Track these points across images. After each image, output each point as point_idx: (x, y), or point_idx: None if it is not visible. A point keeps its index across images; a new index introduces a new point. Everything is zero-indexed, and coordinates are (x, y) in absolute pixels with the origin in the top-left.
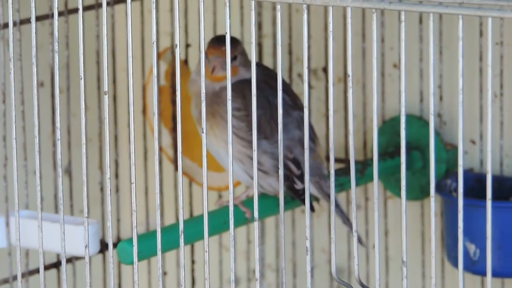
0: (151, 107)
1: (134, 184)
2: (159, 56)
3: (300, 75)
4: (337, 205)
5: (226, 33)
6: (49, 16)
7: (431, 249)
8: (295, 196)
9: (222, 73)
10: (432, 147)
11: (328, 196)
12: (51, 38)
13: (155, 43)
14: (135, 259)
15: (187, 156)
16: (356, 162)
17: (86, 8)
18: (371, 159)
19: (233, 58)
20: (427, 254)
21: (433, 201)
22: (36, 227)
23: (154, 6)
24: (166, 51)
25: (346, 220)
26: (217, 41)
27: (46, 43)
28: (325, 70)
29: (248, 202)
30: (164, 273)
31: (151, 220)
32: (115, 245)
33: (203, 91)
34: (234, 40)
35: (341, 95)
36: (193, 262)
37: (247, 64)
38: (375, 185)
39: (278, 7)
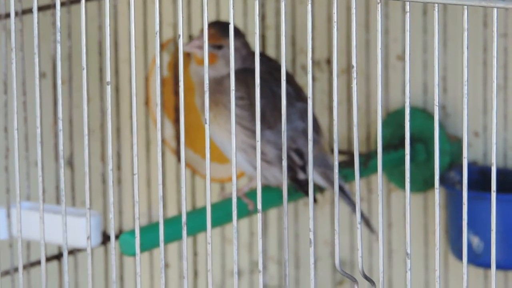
0: (153, 98)
1: (136, 175)
2: (162, 47)
3: (303, 67)
4: (346, 195)
5: (229, 24)
6: (51, 6)
7: (435, 241)
8: (298, 187)
9: (198, 54)
10: (436, 139)
11: (337, 186)
12: (53, 29)
13: (158, 33)
14: (137, 250)
15: (190, 148)
16: (360, 154)
17: None
18: (375, 151)
19: (218, 47)
20: (430, 247)
21: (438, 194)
22: (38, 218)
23: None
24: (169, 42)
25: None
26: (212, 24)
27: (48, 34)
28: (329, 61)
29: (251, 194)
30: (166, 265)
31: (153, 212)
32: (117, 237)
33: (206, 81)
34: (227, 29)
35: (344, 87)
36: (195, 254)
37: (241, 48)
38: (379, 178)
39: None
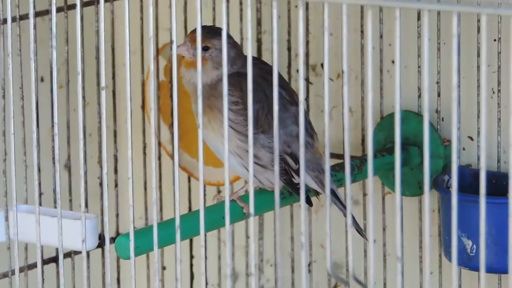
0: (150, 102)
1: (131, 179)
2: (158, 51)
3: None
4: (338, 200)
5: (216, 27)
6: (49, 11)
7: (424, 244)
8: (293, 191)
9: (186, 56)
10: (426, 143)
11: (329, 190)
12: (51, 34)
13: (152, 38)
14: (132, 254)
15: (186, 152)
16: (354, 158)
17: (86, 4)
18: None
19: (204, 48)
20: (425, 250)
21: (428, 197)
22: (35, 221)
23: (151, 2)
24: (166, 46)
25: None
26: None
27: (46, 39)
28: (323, 65)
29: (246, 197)
30: (163, 268)
31: (150, 215)
32: (114, 240)
33: (199, 87)
34: (212, 32)
35: (340, 91)
36: (191, 257)
37: (230, 51)
38: (370, 182)
39: (274, 4)
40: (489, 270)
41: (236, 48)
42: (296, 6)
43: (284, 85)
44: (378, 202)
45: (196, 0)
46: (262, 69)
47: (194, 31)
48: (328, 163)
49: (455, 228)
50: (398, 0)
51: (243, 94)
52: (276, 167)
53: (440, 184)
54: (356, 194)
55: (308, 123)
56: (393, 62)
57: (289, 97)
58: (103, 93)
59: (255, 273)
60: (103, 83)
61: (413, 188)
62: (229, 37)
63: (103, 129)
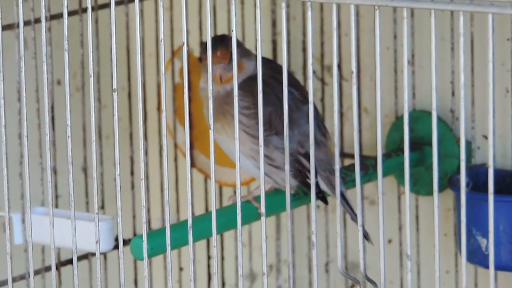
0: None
1: (143, 180)
2: (173, 53)
3: (314, 72)
4: (346, 202)
5: (232, 31)
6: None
7: (445, 243)
8: (308, 191)
9: (225, 76)
10: (435, 143)
11: (339, 191)
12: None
13: (163, 41)
14: (145, 254)
15: (202, 153)
16: (370, 158)
17: (100, 7)
18: (384, 155)
19: (231, 58)
20: (440, 249)
21: (437, 196)
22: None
23: (162, 4)
24: (181, 48)
25: (355, 217)
26: (221, 44)
27: (62, 42)
28: (339, 66)
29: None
30: (181, 269)
31: (166, 216)
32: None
33: (210, 88)
34: (223, 40)
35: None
36: (209, 257)
37: (249, 55)
38: (379, 182)
39: (283, 4)
40: (505, 268)
41: (248, 51)
42: (311, 8)
43: (296, 84)
44: (394, 201)
45: (206, 6)
46: (273, 69)
47: (217, 47)
48: (338, 162)
49: (464, 225)
50: (405, 1)
51: (255, 99)
52: (287, 170)
53: (455, 183)
54: (372, 194)
55: (320, 121)
56: (407, 62)
57: (301, 96)
58: (115, 95)
59: (266, 273)
60: (115, 85)
61: (428, 187)
62: (240, 44)
63: (115, 131)
